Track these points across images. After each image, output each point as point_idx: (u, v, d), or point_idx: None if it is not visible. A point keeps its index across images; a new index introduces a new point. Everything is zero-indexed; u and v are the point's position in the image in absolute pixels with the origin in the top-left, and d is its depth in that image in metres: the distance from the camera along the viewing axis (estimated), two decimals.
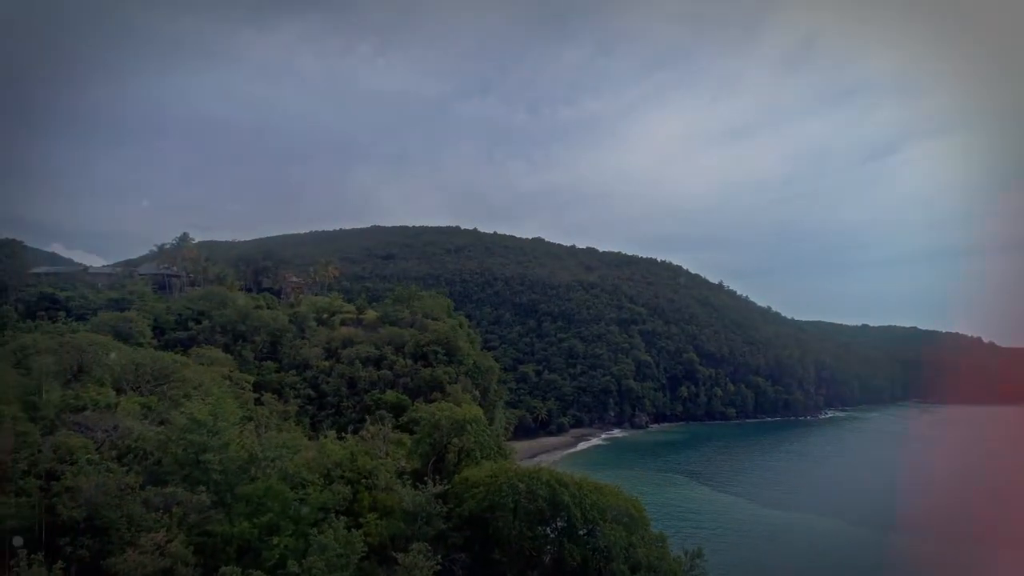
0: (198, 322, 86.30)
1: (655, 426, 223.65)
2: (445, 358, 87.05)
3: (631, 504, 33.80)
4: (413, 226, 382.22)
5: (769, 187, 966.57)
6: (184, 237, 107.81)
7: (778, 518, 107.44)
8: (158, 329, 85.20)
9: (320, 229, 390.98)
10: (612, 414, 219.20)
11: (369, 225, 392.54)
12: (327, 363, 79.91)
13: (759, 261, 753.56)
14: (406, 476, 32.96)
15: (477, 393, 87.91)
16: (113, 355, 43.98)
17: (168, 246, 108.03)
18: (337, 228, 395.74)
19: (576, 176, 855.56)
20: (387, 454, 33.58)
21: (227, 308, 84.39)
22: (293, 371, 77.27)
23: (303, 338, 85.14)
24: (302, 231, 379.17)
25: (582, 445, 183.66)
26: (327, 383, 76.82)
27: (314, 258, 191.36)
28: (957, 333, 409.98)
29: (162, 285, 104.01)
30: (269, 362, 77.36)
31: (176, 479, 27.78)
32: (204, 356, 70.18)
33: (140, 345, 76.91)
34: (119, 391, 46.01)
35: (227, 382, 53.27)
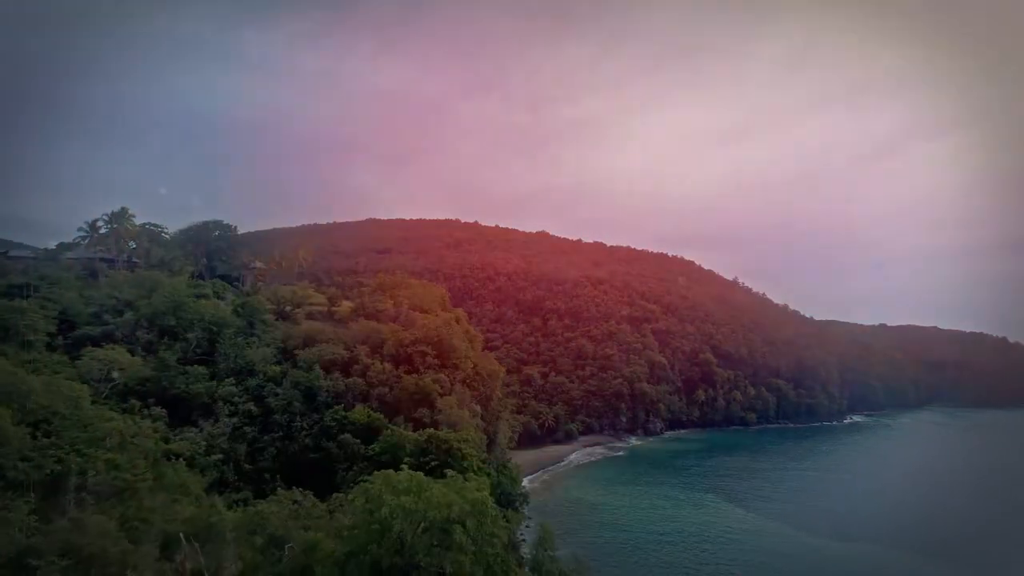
0: (120, 314, 67.42)
1: (670, 433, 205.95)
2: (436, 361, 67.84)
3: None
4: (410, 219, 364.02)
5: (771, 187, 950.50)
6: (122, 213, 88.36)
7: (826, 547, 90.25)
8: (66, 323, 66.46)
9: (313, 223, 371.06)
10: (624, 420, 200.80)
11: (364, 218, 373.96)
12: (278, 368, 60.53)
13: (762, 261, 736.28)
14: None
15: (477, 407, 69.00)
16: None
17: (101, 224, 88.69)
18: (331, 221, 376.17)
19: (578, 175, 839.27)
20: None
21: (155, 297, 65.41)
22: (231, 378, 57.96)
23: (252, 335, 65.90)
24: (294, 224, 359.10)
25: (594, 455, 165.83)
26: (276, 395, 57.41)
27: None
28: (981, 333, 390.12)
29: (94, 271, 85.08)
30: (200, 367, 58.12)
31: None
32: (102, 359, 51.13)
33: (30, 344, 58.35)
34: None
35: None
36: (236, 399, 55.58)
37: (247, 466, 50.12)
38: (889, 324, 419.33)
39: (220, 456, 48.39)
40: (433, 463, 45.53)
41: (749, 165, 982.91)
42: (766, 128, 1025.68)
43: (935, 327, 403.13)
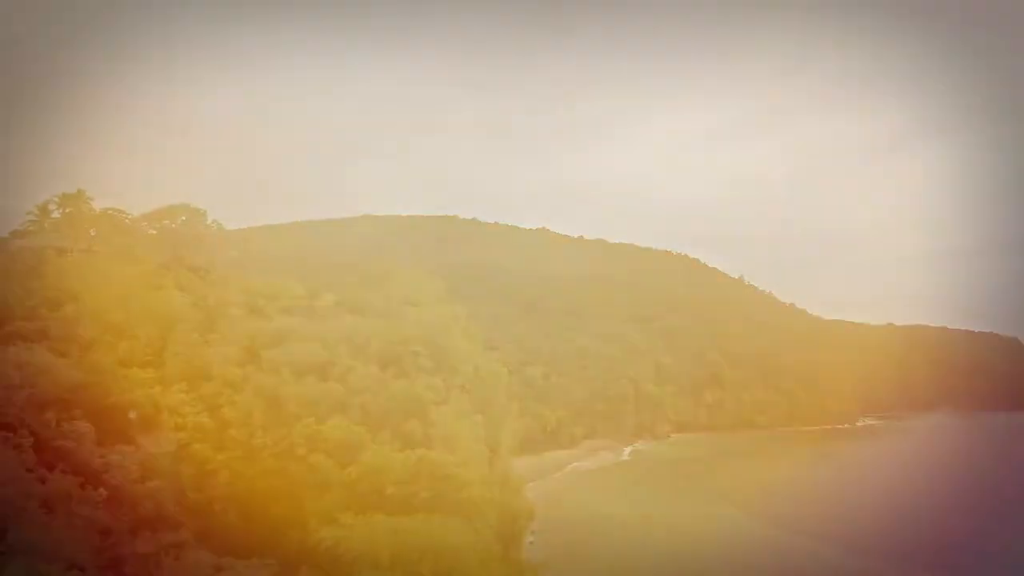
0: (60, 307, 57.78)
1: (677, 436, 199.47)
2: (430, 364, 58.40)
3: None
4: (406, 215, 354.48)
5: (773, 185, 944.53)
6: (77, 196, 78.53)
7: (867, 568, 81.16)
8: None
9: (305, 219, 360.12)
10: (629, 423, 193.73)
11: (359, 214, 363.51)
12: (239, 371, 50.85)
13: (766, 259, 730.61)
14: None
15: (478, 416, 59.57)
16: None
17: (53, 207, 78.97)
18: (324, 218, 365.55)
19: (577, 176, 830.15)
20: None
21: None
22: (183, 384, 48.30)
23: (213, 332, 56.27)
24: (284, 221, 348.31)
25: (599, 461, 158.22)
26: (233, 404, 47.71)
27: (298, 250, 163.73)
28: (992, 333, 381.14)
29: (44, 261, 75.20)
30: (144, 370, 48.42)
31: None
32: (13, 361, 41.40)
33: None
34: None
35: None
36: (185, 409, 45.93)
37: (192, 495, 40.51)
38: (897, 323, 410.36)
39: (157, 483, 38.75)
40: (424, 494, 36.19)
41: (750, 164, 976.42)
42: (767, 128, 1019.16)
43: (944, 327, 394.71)
